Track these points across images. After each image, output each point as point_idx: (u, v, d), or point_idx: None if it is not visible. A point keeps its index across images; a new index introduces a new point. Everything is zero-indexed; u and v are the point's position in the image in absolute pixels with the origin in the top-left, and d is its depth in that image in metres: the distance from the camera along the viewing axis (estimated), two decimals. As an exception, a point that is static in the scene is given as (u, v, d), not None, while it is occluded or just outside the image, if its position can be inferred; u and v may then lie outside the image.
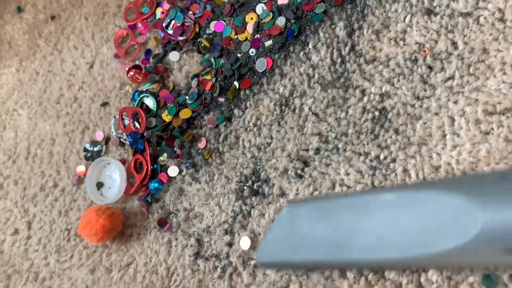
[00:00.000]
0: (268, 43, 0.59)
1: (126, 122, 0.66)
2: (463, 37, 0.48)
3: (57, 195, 0.69)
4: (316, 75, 0.55)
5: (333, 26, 0.56)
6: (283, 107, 0.56)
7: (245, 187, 0.55)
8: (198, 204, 0.57)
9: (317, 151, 0.52)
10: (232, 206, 0.55)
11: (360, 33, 0.54)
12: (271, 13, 0.59)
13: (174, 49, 0.67)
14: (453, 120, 0.46)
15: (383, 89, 0.50)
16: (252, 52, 0.59)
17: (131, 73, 0.68)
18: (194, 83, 0.63)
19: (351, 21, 0.55)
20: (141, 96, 0.66)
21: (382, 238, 0.33)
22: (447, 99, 0.47)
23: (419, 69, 0.49)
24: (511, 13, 0.46)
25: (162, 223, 0.58)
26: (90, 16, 0.80)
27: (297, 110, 0.55)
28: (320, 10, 0.56)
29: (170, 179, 0.60)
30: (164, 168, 0.61)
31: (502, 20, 0.47)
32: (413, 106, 0.48)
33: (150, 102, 0.65)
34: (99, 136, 0.69)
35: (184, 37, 0.66)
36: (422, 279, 0.42)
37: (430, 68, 0.49)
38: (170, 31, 0.67)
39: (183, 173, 0.60)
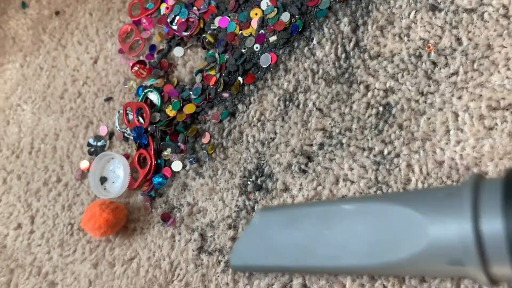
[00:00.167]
0: (273, 38, 0.59)
1: (130, 117, 0.66)
2: (468, 33, 0.48)
3: (60, 190, 0.70)
4: (321, 71, 0.55)
5: (337, 22, 0.56)
6: (287, 103, 0.56)
7: (249, 182, 0.55)
8: (201, 199, 0.57)
9: (321, 146, 0.52)
10: (236, 201, 0.55)
11: (365, 28, 0.54)
12: (275, 9, 0.59)
13: (178, 44, 0.68)
14: (457, 115, 0.46)
15: (387, 85, 0.51)
16: (257, 48, 0.60)
17: (135, 68, 0.68)
18: (198, 78, 0.63)
19: (356, 17, 0.55)
20: (145, 91, 0.66)
21: (342, 246, 0.36)
22: (451, 95, 0.47)
23: (423, 64, 0.49)
24: (515, 9, 0.46)
25: (166, 217, 0.58)
26: (94, 11, 0.80)
27: (301, 106, 0.55)
28: (324, 6, 0.56)
29: (174, 173, 0.61)
30: (168, 163, 0.62)
31: (506, 16, 0.47)
32: (417, 101, 0.49)
33: (154, 97, 0.65)
34: (103, 131, 0.69)
35: (188, 33, 0.66)
36: (426, 274, 0.42)
37: (434, 63, 0.49)
38: (174, 27, 0.68)
39: (187, 168, 0.60)
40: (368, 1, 0.55)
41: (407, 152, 0.47)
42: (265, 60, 0.58)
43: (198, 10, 0.67)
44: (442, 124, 0.47)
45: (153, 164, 0.62)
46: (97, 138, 0.69)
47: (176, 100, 0.63)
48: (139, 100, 0.66)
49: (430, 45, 0.50)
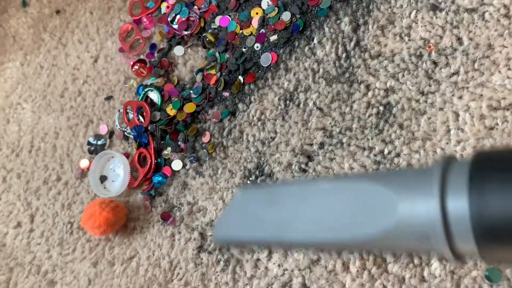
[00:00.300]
0: (273, 38, 0.59)
1: (131, 116, 0.66)
2: (468, 32, 0.48)
3: (60, 189, 0.69)
4: (321, 70, 0.55)
5: (338, 21, 0.56)
6: (288, 102, 0.56)
7: (249, 181, 0.55)
8: (201, 198, 0.57)
9: (321, 145, 0.52)
10: (236, 200, 0.55)
11: (365, 28, 0.54)
12: (276, 8, 0.59)
13: (179, 43, 0.67)
14: (457, 115, 0.46)
15: (388, 84, 0.51)
16: (257, 47, 0.60)
17: (136, 67, 0.68)
18: (198, 77, 0.63)
19: (357, 17, 0.55)
20: (146, 90, 0.66)
21: (319, 221, 0.38)
22: (451, 94, 0.47)
23: (424, 64, 0.49)
24: (516, 9, 0.46)
25: (166, 216, 0.58)
26: (95, 10, 0.80)
27: (301, 105, 0.55)
28: (325, 5, 0.56)
29: (174, 173, 0.61)
30: (168, 162, 0.62)
31: (507, 16, 0.47)
32: (417, 101, 0.49)
33: (154, 96, 0.65)
34: (103, 129, 0.69)
35: (189, 32, 0.66)
36: (425, 273, 0.42)
37: (435, 63, 0.49)
38: (175, 26, 0.68)
39: (187, 167, 0.60)
40: (369, 1, 0.55)
41: (407, 152, 0.47)
42: (266, 59, 0.58)
43: (199, 9, 0.67)
44: (443, 123, 0.47)
45: (153, 163, 0.62)
46: (97, 137, 0.69)
47: (176, 99, 0.63)
48: (139, 99, 0.66)
49: (431, 44, 0.50)
